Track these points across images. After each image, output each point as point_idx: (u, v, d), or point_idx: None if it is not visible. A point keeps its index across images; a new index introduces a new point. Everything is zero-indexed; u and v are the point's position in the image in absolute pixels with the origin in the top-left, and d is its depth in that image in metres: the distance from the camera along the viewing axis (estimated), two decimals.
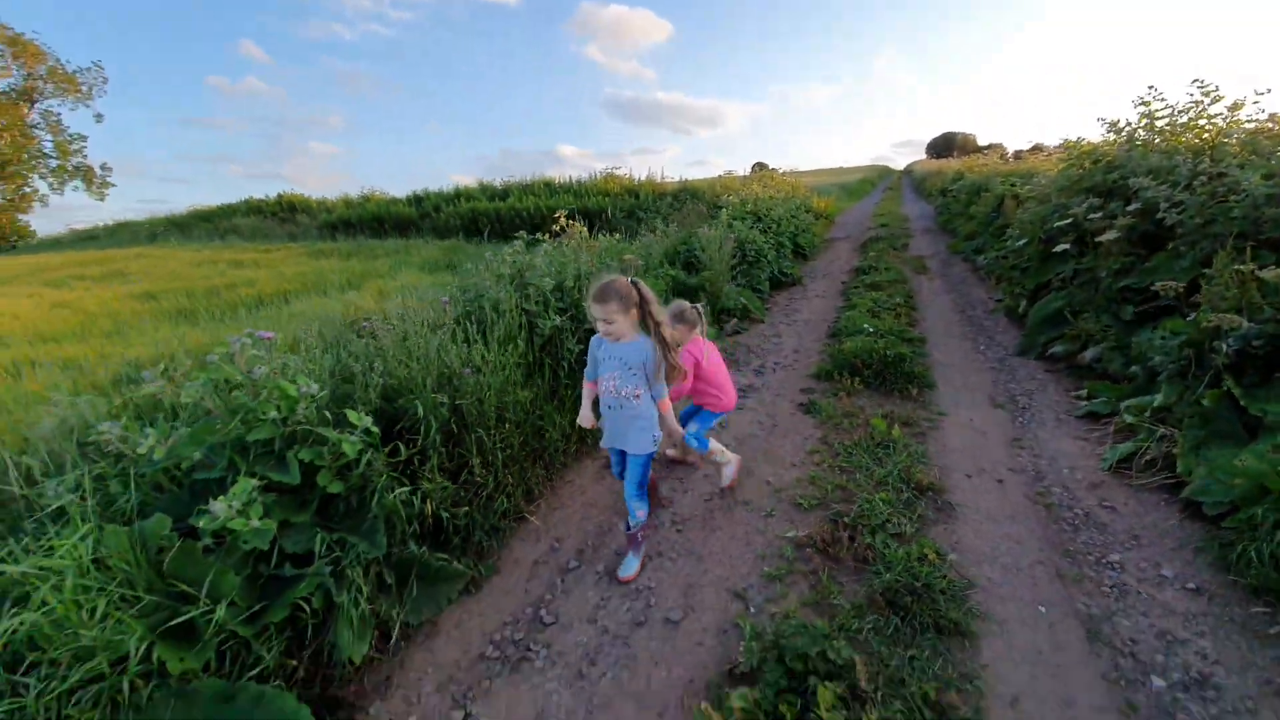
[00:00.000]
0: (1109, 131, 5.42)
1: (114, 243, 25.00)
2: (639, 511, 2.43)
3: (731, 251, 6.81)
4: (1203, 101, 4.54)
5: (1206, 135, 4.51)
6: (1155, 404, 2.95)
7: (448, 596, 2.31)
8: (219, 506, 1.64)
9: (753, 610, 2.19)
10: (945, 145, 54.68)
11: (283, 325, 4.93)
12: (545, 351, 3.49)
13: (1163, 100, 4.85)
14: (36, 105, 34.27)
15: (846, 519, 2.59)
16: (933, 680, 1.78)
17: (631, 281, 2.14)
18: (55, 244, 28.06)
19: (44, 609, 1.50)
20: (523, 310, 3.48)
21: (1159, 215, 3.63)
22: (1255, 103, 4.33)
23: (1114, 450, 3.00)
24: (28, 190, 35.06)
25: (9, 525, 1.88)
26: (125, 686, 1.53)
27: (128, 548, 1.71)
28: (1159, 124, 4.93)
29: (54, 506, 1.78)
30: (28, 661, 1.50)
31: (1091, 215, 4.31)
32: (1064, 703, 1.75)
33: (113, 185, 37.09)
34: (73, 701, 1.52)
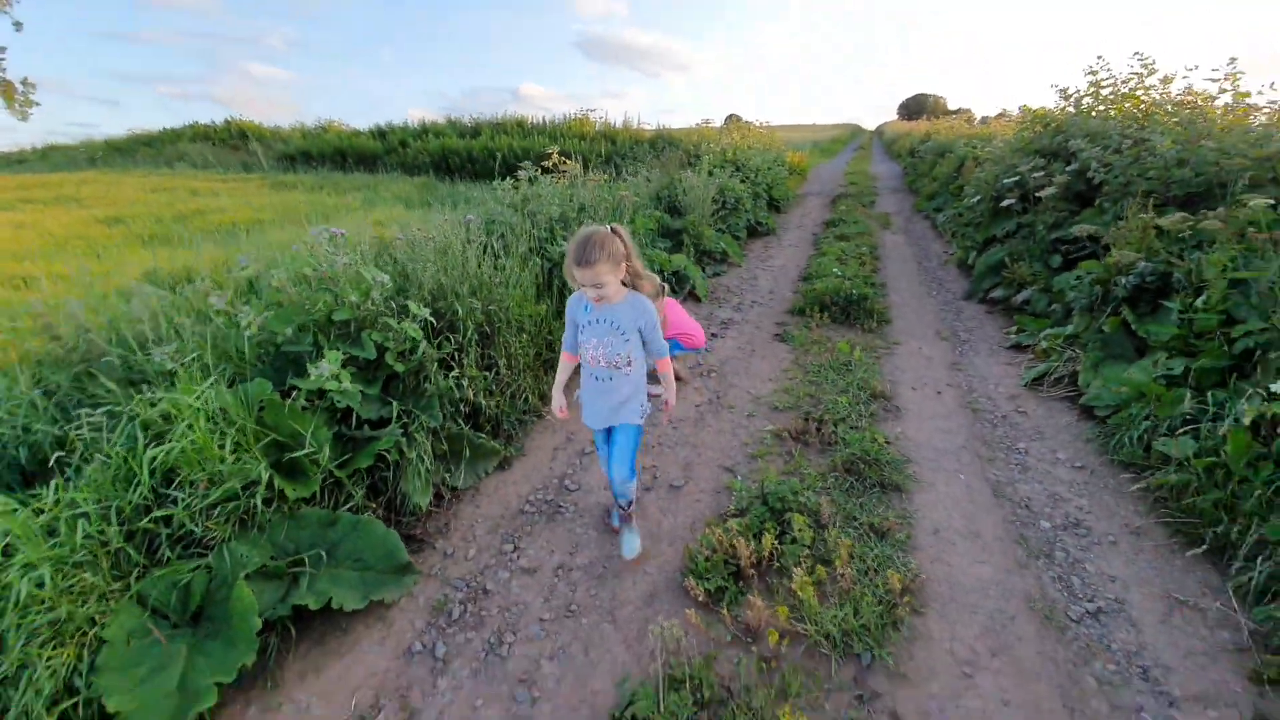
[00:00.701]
0: (1061, 98, 5.93)
1: (47, 167, 23.20)
2: (630, 488, 2.17)
3: (713, 197, 7.15)
4: (1141, 74, 5.06)
5: (1143, 105, 5.06)
6: (1067, 332, 3.56)
7: (486, 469, 2.75)
8: (325, 366, 2.00)
9: (740, 478, 2.71)
10: (917, 107, 55.04)
11: (286, 247, 5.10)
12: (552, 274, 3.85)
13: (1108, 71, 5.36)
14: None
15: (815, 415, 3.12)
16: (877, 516, 2.34)
17: (611, 229, 1.78)
18: None
19: (188, 438, 1.86)
20: (533, 236, 3.81)
21: (1089, 174, 4.19)
22: (1185, 77, 4.88)
23: (1030, 370, 3.62)
24: None
25: (117, 382, 2.19)
26: (258, 503, 1.93)
27: (237, 404, 2.06)
28: (1104, 92, 5.46)
29: (165, 369, 2.11)
30: (176, 481, 1.88)
31: (1035, 174, 4.85)
32: (973, 534, 2.34)
33: (37, 104, 33.86)
34: (212, 516, 1.90)
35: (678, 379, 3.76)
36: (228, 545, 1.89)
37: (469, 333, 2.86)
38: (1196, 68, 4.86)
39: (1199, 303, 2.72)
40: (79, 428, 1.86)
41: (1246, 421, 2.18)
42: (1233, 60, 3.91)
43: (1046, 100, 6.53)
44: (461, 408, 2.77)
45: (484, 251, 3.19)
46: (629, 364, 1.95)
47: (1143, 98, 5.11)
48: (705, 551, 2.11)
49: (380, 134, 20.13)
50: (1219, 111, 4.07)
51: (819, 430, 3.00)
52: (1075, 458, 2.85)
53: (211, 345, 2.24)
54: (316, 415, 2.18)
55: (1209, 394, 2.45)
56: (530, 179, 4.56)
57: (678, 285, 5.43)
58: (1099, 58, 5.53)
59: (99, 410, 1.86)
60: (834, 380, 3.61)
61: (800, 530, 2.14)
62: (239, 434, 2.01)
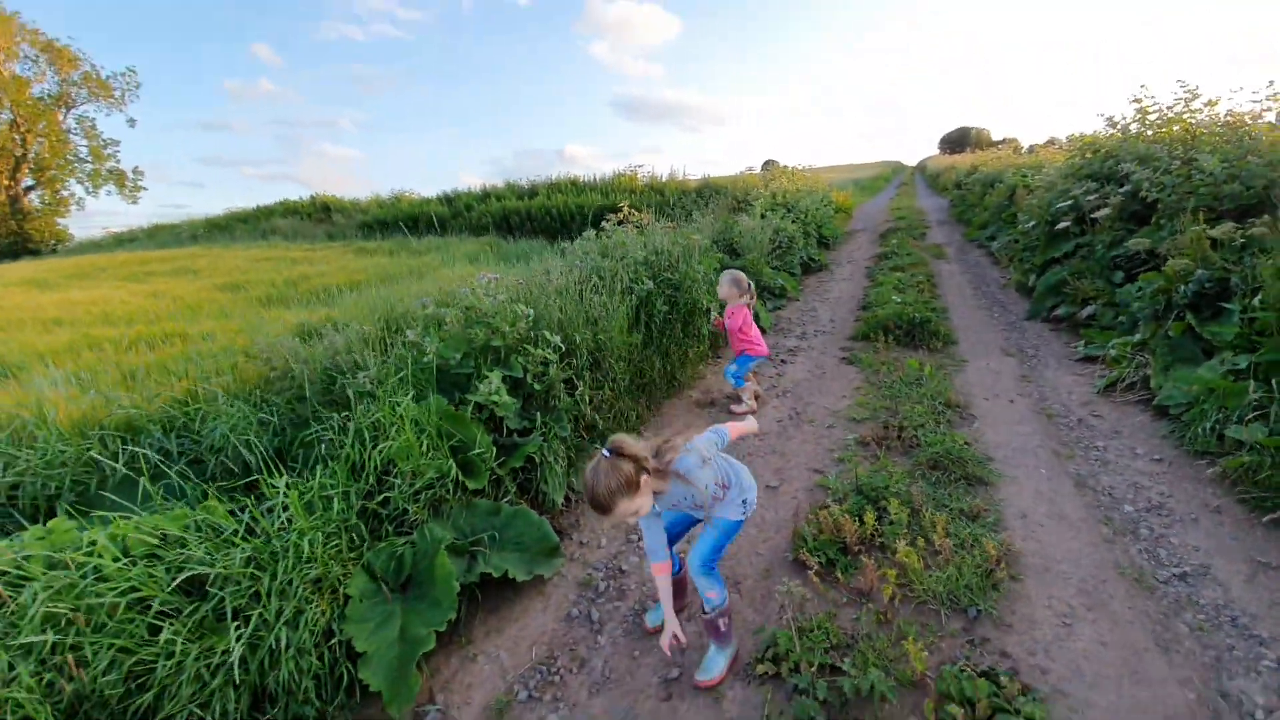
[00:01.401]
0: (1108, 125, 6.18)
1: (154, 244, 26.00)
2: (710, 593, 1.91)
3: (769, 238, 7.62)
4: (1186, 99, 5.29)
5: (1190, 127, 5.26)
6: (1135, 340, 3.73)
7: None
8: (494, 382, 2.49)
9: (831, 476, 3.02)
10: (959, 140, 54.96)
11: (400, 300, 5.82)
12: (640, 310, 4.33)
13: (1152, 98, 5.61)
14: (72, 111, 35.31)
15: (894, 423, 3.41)
16: (966, 503, 2.60)
17: (608, 454, 1.59)
18: (95, 246, 29.14)
19: (400, 439, 2.36)
20: (622, 277, 4.32)
21: (1142, 194, 4.41)
22: (1229, 99, 5.08)
23: (1102, 378, 3.79)
24: (65, 194, 36.12)
25: (321, 401, 2.74)
26: (449, 491, 2.39)
27: (424, 414, 2.57)
28: (1150, 118, 5.69)
29: (364, 390, 2.64)
30: (393, 472, 2.37)
31: (1089, 197, 5.08)
32: (1058, 517, 2.56)
33: (144, 189, 38.41)
34: (417, 501, 2.38)
35: (757, 399, 4.12)
36: (427, 525, 2.35)
37: (584, 358, 3.33)
38: (1241, 89, 5.06)
39: (1256, 302, 2.91)
40: (324, 431, 2.40)
41: None
42: (1271, 83, 4.15)
43: (1091, 127, 6.78)
44: (580, 422, 3.21)
45: (590, 291, 3.71)
46: (718, 499, 1.86)
47: (1190, 120, 5.32)
48: (814, 531, 2.43)
49: (447, 200, 21.89)
50: (1264, 128, 4.27)
51: (899, 435, 3.28)
52: (1152, 452, 3.02)
53: (395, 370, 2.78)
54: (479, 425, 2.67)
55: (1273, 382, 2.62)
56: (611, 230, 5.14)
57: None
58: (1142, 87, 5.80)
59: (340, 416, 2.40)
60: (907, 393, 3.88)
61: (897, 513, 2.43)
62: (429, 438, 2.50)
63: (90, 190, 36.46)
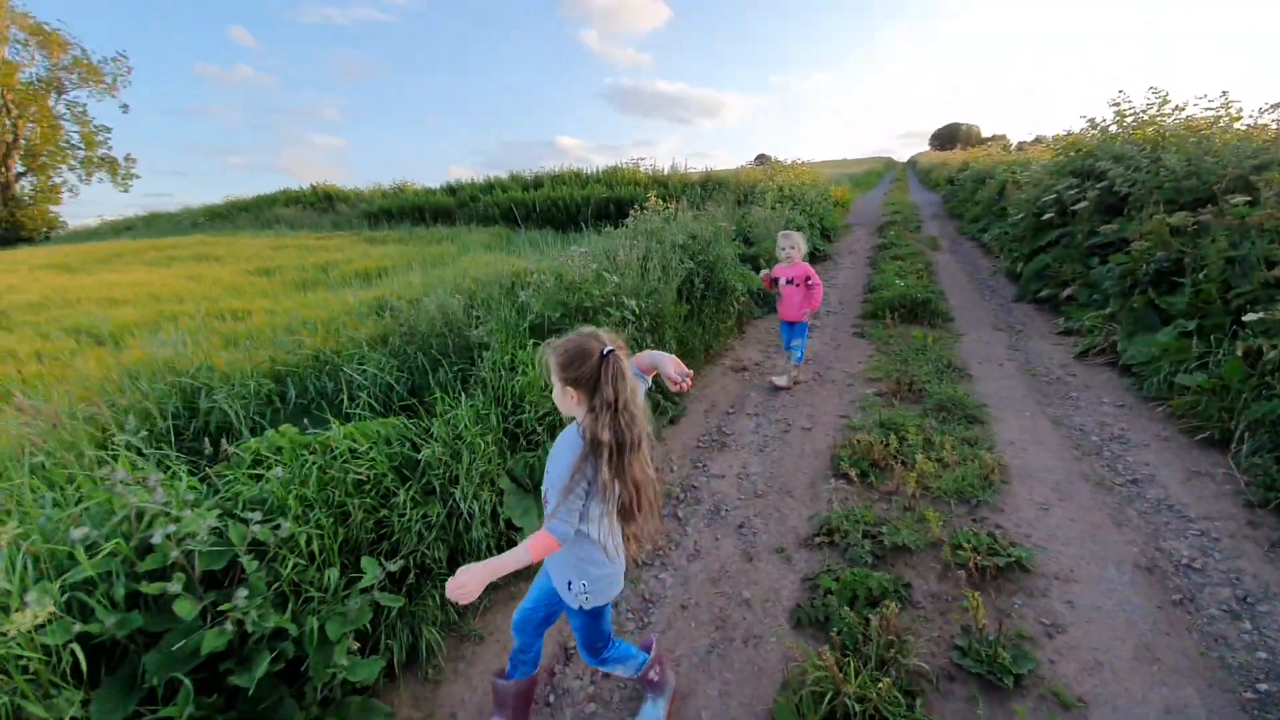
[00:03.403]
0: (1089, 126, 6.88)
1: (153, 232, 26.06)
2: (618, 670, 1.74)
3: (780, 228, 8.26)
4: (1157, 103, 5.99)
5: (1160, 129, 5.96)
6: (1106, 313, 4.42)
7: (663, 421, 3.79)
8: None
9: (856, 419, 3.67)
10: (949, 137, 55.98)
11: (462, 276, 6.39)
12: (682, 287, 4.94)
13: (1129, 103, 6.31)
14: (62, 96, 35.00)
15: (905, 380, 4.06)
16: (967, 434, 3.26)
17: (604, 354, 1.42)
18: (93, 234, 29.15)
19: (528, 375, 2.97)
20: (667, 258, 4.94)
21: (1116, 189, 5.09)
22: (1195, 104, 5.78)
23: (1078, 346, 4.48)
24: (56, 181, 35.84)
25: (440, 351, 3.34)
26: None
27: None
28: (1126, 120, 6.38)
29: (481, 341, 3.24)
30: (525, 400, 2.98)
31: (1070, 191, 5.77)
32: (1038, 443, 3.23)
33: (137, 177, 38.15)
34: (539, 422, 2.99)
35: (795, 384, 4.51)
36: (546, 444, 2.97)
37: (646, 322, 3.95)
38: (1205, 96, 5.76)
39: (1203, 277, 3.60)
40: (469, 368, 3.00)
41: (1239, 352, 3.05)
42: (1224, 93, 4.85)
43: (1074, 126, 7.47)
44: None
45: (648, 267, 4.33)
46: (551, 498, 1.48)
47: (1161, 123, 6.02)
48: (849, 452, 3.08)
49: (451, 191, 22.26)
50: (1218, 132, 4.96)
51: (910, 388, 3.94)
52: (1117, 399, 3.71)
53: (505, 324, 3.39)
54: None
55: (1212, 339, 3.31)
56: (648, 217, 5.75)
57: (763, 300, 6.48)
58: (1120, 92, 6.50)
59: (480, 357, 3.00)
60: (915, 358, 4.55)
61: (914, 437, 3.08)
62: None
63: (83, 178, 36.22)
